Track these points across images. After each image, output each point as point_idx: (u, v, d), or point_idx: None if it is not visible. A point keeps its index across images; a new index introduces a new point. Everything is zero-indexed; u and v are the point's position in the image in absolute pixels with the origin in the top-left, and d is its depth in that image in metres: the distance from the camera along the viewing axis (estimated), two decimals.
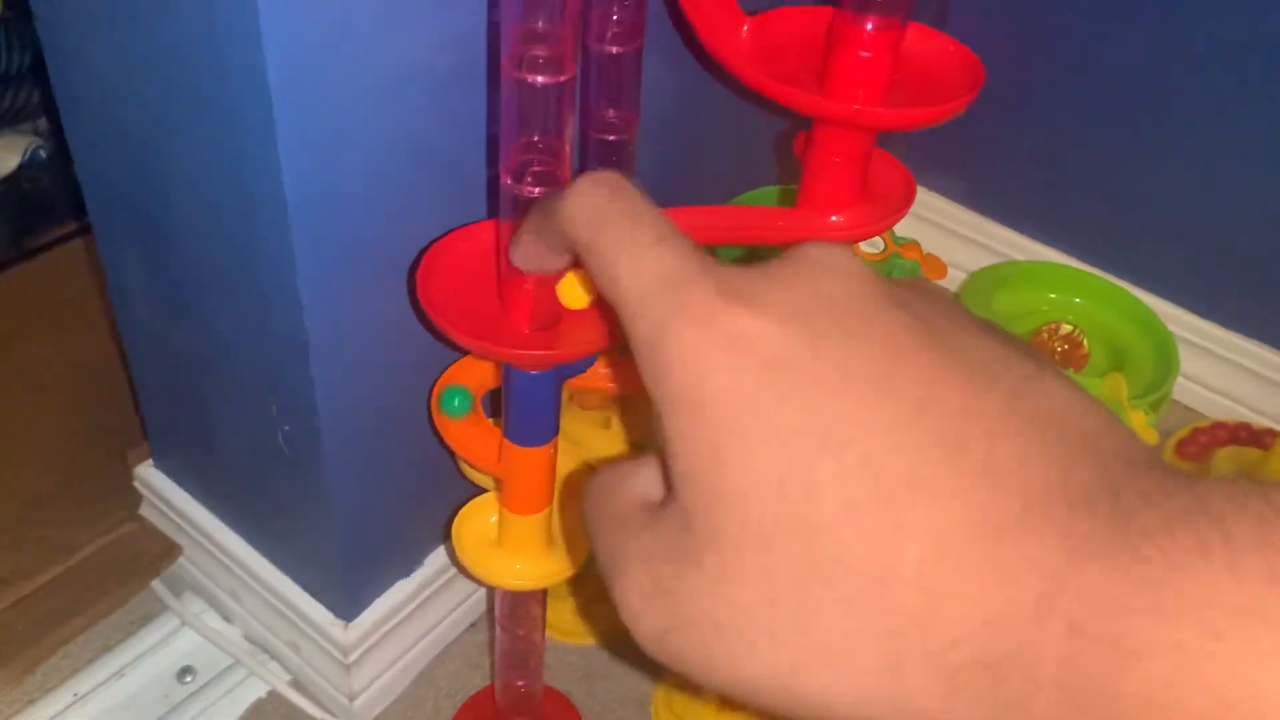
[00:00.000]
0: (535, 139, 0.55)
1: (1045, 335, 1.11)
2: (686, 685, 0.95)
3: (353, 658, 0.89)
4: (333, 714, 0.93)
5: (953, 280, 1.34)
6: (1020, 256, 1.26)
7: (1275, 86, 1.08)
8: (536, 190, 0.55)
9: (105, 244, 0.82)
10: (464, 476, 0.85)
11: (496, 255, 0.62)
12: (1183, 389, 1.26)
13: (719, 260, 0.30)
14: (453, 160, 0.71)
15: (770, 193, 0.95)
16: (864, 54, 0.58)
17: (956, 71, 0.63)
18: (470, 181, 0.73)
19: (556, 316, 0.61)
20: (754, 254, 0.97)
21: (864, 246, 0.93)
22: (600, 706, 0.95)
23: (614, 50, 0.66)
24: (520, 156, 0.55)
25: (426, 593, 0.93)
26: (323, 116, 0.61)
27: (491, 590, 0.89)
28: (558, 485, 0.72)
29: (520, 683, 0.84)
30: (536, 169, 0.55)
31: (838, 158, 0.60)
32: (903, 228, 1.41)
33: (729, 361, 0.27)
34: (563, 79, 0.53)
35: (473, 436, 0.72)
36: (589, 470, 0.80)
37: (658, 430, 0.29)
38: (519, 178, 0.55)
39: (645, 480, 0.32)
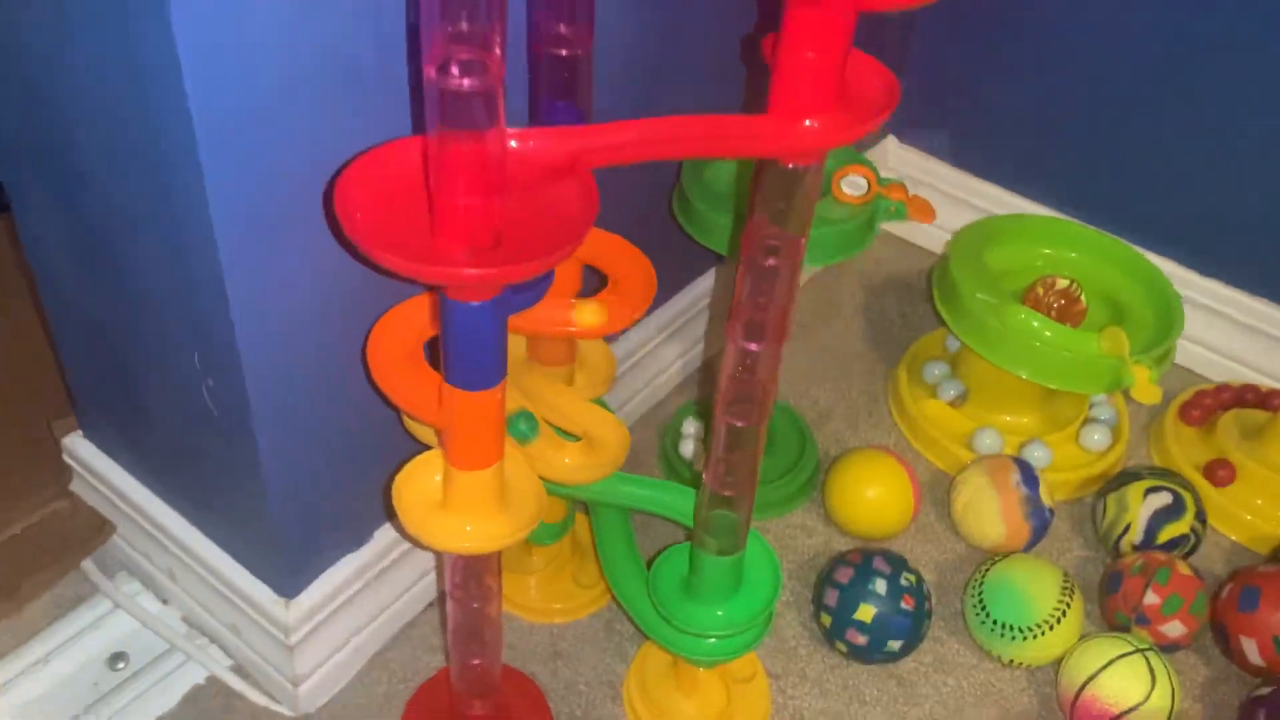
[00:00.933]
0: (463, 25, 0.48)
1: (1040, 290, 1.04)
2: (660, 665, 0.88)
3: (295, 638, 0.81)
4: (277, 700, 0.86)
5: (938, 240, 1.28)
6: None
7: (1275, 32, 1.02)
8: (465, 83, 0.48)
9: (17, 201, 0.75)
10: (411, 436, 0.78)
11: (425, 171, 0.55)
12: (1185, 352, 1.19)
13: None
14: (376, 74, 0.64)
15: None
16: None
17: None
18: (395, 98, 0.66)
19: (496, 237, 0.54)
20: (744, 166, 0.91)
21: (846, 189, 0.86)
22: (566, 688, 0.88)
23: None
24: (445, 46, 0.48)
25: (379, 567, 0.86)
26: (229, 25, 0.55)
27: (441, 558, 0.82)
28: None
29: (476, 661, 0.77)
30: (463, 57, 0.48)
31: (811, 51, 0.53)
32: None
33: None
34: None
35: (410, 382, 0.65)
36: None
37: None
38: (444, 69, 0.48)
39: None
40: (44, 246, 0.77)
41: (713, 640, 0.79)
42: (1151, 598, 0.89)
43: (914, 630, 0.88)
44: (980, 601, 0.90)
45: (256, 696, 0.86)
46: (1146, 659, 0.84)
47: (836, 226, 0.85)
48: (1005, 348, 1.00)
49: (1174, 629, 0.89)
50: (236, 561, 0.83)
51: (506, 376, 0.62)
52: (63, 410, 0.93)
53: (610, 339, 1.01)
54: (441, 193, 0.52)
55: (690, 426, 1.05)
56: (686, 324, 1.11)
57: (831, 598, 0.89)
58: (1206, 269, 1.16)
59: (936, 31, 1.24)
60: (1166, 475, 0.98)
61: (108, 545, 0.92)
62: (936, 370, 1.13)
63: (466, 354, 0.59)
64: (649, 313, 1.00)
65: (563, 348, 0.80)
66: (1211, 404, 1.12)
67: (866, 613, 0.87)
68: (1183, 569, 0.90)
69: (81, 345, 0.83)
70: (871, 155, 1.31)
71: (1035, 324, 0.98)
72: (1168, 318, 1.03)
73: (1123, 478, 0.99)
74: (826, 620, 0.89)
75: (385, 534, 0.86)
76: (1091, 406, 1.11)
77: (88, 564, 0.91)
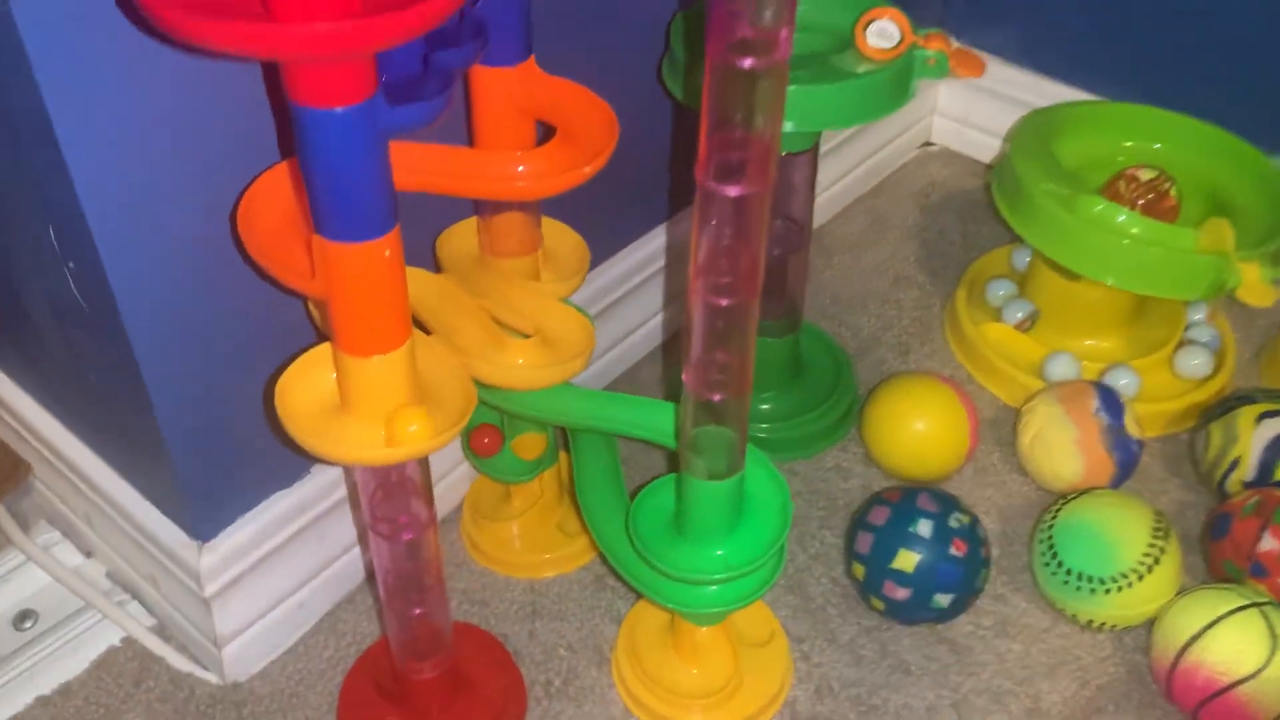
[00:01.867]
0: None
1: (1122, 185, 0.87)
2: (655, 625, 0.73)
3: (211, 589, 0.68)
4: (203, 666, 0.73)
5: (986, 151, 1.09)
6: None
7: None
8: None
9: None
10: (322, 333, 0.64)
11: None
12: None
13: None
14: None
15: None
16: None
17: None
18: None
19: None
20: None
21: (872, 39, 0.70)
22: (544, 653, 0.74)
23: None
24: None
25: (320, 508, 0.73)
26: None
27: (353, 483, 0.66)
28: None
29: (417, 611, 0.63)
30: None
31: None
32: (946, 91, 1.17)
33: None
34: None
35: (288, 250, 0.51)
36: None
37: None
38: None
39: None
40: None
41: (711, 588, 0.64)
42: (1269, 543, 0.71)
43: (966, 582, 0.72)
44: (1051, 548, 0.73)
45: (178, 661, 0.73)
46: (1265, 615, 0.66)
47: (861, 80, 0.69)
48: (1082, 249, 0.83)
49: None
50: (148, 501, 0.70)
51: (398, 228, 0.47)
52: None
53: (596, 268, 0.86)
54: None
55: None
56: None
57: (865, 543, 0.73)
58: None
59: None
60: None
61: (26, 490, 0.80)
62: (1001, 290, 0.96)
63: (334, 189, 0.45)
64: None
65: (519, 233, 0.65)
66: None
67: (907, 560, 0.71)
68: None
69: None
70: None
71: (1119, 217, 0.81)
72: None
73: (1230, 402, 0.82)
74: (860, 571, 0.73)
75: (329, 469, 0.73)
76: (1188, 328, 0.93)
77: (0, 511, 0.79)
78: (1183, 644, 0.67)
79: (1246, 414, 0.79)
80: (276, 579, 0.72)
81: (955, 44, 0.71)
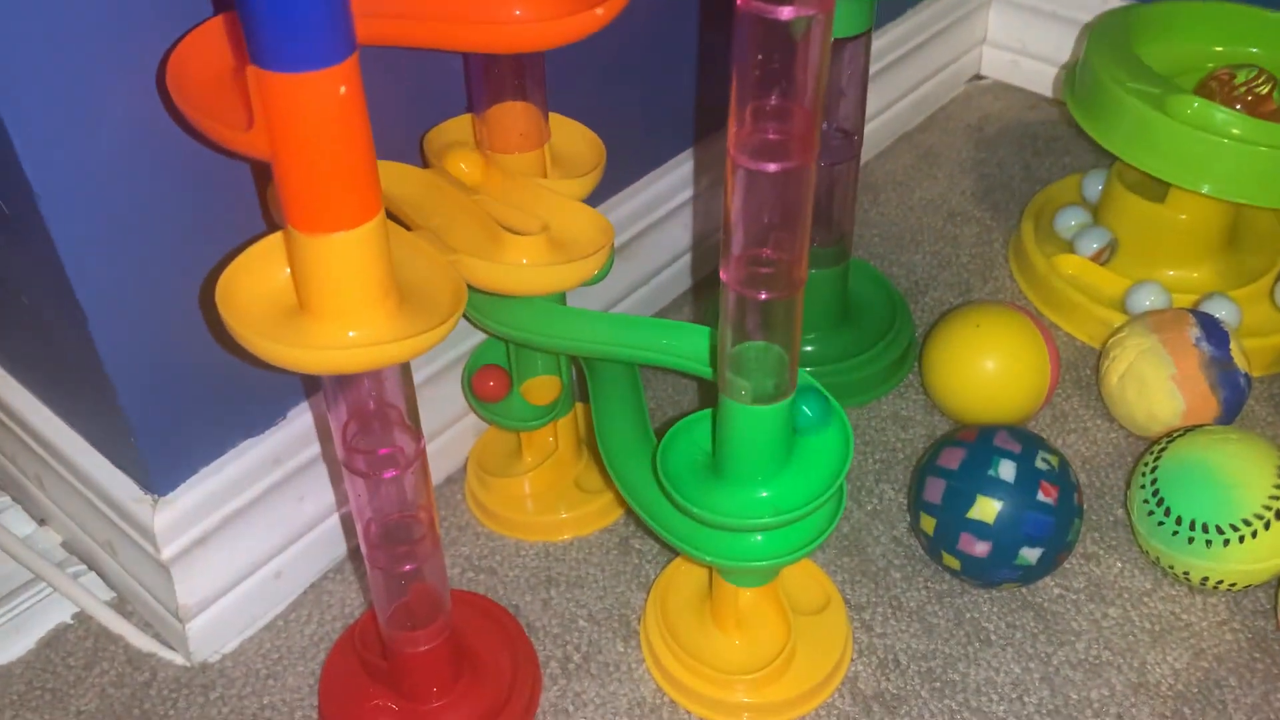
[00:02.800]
0: None
1: (1215, 86, 0.76)
2: (690, 590, 0.63)
3: (169, 551, 0.58)
4: (168, 645, 0.63)
5: (1043, 82, 0.97)
6: None
7: None
8: None
9: None
10: None
11: None
12: None
13: None
14: None
15: None
16: None
17: None
18: None
19: None
20: None
21: None
22: (562, 625, 0.63)
23: None
24: None
25: (298, 460, 0.63)
26: None
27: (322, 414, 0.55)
28: None
29: (406, 566, 0.52)
30: None
31: None
32: (995, 20, 1.06)
33: None
34: None
35: (224, 100, 0.41)
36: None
37: None
38: None
39: None
40: None
41: (756, 538, 0.54)
42: None
43: (1058, 533, 0.61)
44: (1156, 493, 0.62)
45: (138, 639, 0.63)
46: None
47: None
48: (1174, 155, 0.72)
49: None
50: (98, 452, 0.61)
51: (356, 56, 0.37)
52: None
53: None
54: None
55: None
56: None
57: (935, 491, 0.62)
58: None
59: None
60: None
61: None
62: (1073, 219, 0.85)
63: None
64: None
65: (522, 124, 0.55)
66: None
67: (987, 509, 0.60)
68: None
69: None
70: None
71: (1219, 116, 0.70)
72: None
73: None
74: (929, 525, 0.63)
75: (306, 415, 0.63)
76: None
77: None
78: None
79: None
80: (247, 543, 0.62)
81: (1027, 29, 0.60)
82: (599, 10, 0.44)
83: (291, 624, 0.64)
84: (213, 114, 0.40)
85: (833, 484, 0.52)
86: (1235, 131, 0.70)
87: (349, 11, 0.36)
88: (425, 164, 0.59)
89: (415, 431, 0.49)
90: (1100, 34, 0.80)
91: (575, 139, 0.59)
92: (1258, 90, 0.76)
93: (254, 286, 0.43)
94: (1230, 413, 0.70)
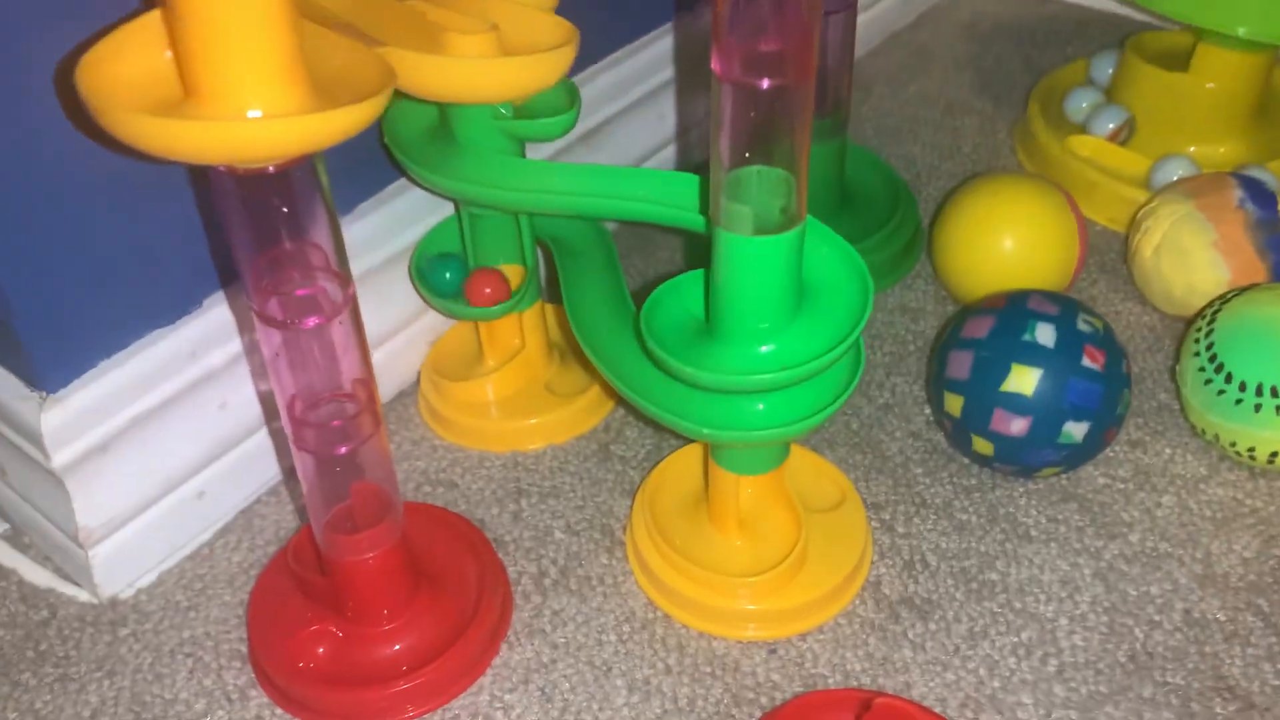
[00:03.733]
0: None
1: None
2: (684, 488, 0.54)
3: (62, 458, 0.49)
4: (72, 581, 0.54)
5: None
6: None
7: None
8: None
9: None
10: None
11: None
12: None
13: None
14: None
15: None
16: None
17: None
18: None
19: None
20: None
21: None
22: (534, 537, 0.54)
23: None
24: None
25: (219, 356, 0.53)
26: None
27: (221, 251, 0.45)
28: None
29: (341, 449, 0.43)
30: None
31: None
32: None
33: None
34: None
35: None
36: None
37: None
38: None
39: None
40: None
41: (758, 405, 0.45)
42: None
43: (1107, 404, 0.52)
44: (1214, 358, 0.54)
45: (34, 574, 0.54)
46: None
47: None
48: None
49: None
50: None
51: None
52: None
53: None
54: None
55: None
56: None
57: (961, 365, 0.54)
58: None
59: None
60: None
61: None
62: (1084, 100, 0.77)
63: None
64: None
65: None
66: None
67: (1024, 379, 0.52)
68: None
69: None
70: None
71: None
72: None
73: None
74: (955, 405, 0.54)
75: (226, 305, 0.54)
76: None
77: None
78: None
79: None
80: (161, 455, 0.52)
81: None
82: None
83: (218, 550, 0.55)
84: None
85: (849, 335, 0.43)
86: None
87: None
88: None
89: (344, 278, 0.40)
90: None
91: None
92: None
93: (124, 73, 0.34)
94: None
